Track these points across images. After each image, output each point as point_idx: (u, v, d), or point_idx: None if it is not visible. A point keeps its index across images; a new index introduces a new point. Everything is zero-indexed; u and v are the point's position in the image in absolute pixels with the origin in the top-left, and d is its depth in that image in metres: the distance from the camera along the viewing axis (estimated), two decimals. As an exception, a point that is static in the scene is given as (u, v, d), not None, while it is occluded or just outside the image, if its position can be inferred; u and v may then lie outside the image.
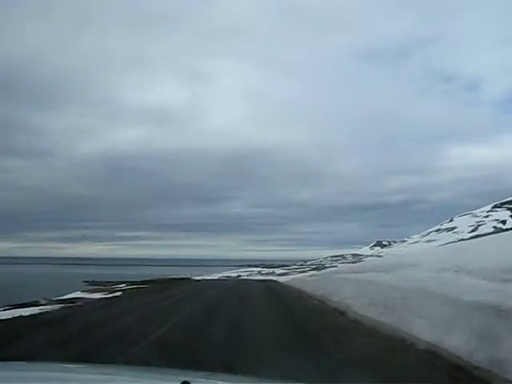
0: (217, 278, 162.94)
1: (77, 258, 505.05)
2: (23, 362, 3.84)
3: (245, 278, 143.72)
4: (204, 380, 2.84)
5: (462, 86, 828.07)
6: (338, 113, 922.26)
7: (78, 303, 37.78)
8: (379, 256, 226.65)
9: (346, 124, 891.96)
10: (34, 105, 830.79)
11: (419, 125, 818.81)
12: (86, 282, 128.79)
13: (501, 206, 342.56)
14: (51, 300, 44.08)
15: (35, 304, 38.48)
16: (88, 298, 58.28)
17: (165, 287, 44.52)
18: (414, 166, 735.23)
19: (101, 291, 78.63)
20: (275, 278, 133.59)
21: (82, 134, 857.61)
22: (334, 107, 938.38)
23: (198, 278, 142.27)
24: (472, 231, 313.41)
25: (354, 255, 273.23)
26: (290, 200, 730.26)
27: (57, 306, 29.43)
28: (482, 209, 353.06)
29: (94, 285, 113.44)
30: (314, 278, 32.52)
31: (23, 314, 18.04)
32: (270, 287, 37.66)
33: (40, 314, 18.88)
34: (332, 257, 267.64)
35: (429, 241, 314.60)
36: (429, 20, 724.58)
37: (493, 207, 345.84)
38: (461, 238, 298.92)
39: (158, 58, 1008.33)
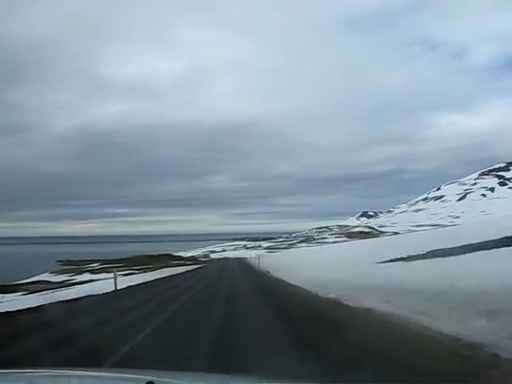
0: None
1: (60, 237, 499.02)
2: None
3: (226, 256, 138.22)
4: (168, 380, 2.84)
5: (448, 53, 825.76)
6: (321, 83, 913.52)
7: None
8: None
9: (329, 94, 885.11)
10: (10, 80, 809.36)
11: (404, 94, 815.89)
12: (59, 261, 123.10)
13: (488, 173, 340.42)
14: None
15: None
16: (50, 282, 51.98)
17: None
18: (398, 136, 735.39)
19: (69, 272, 72.42)
20: (263, 253, 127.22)
21: (61, 110, 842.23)
22: (316, 77, 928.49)
23: (181, 254, 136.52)
24: (460, 199, 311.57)
25: (340, 226, 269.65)
26: (273, 173, 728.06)
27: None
28: (469, 177, 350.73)
29: (67, 264, 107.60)
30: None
31: None
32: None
33: None
34: (317, 228, 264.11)
35: (417, 210, 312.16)
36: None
37: (480, 175, 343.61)
38: (449, 206, 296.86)
39: (138, 29, 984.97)
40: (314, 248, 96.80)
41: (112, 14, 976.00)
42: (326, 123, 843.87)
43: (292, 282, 22.08)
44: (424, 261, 23.97)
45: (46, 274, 69.77)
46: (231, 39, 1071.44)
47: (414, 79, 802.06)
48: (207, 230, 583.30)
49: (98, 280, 37.05)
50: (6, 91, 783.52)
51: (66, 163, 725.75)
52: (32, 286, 39.19)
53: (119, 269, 66.66)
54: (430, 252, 27.10)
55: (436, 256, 24.15)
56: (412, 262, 24.43)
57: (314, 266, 33.64)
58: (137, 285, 26.23)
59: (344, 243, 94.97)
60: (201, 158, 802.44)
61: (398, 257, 28.31)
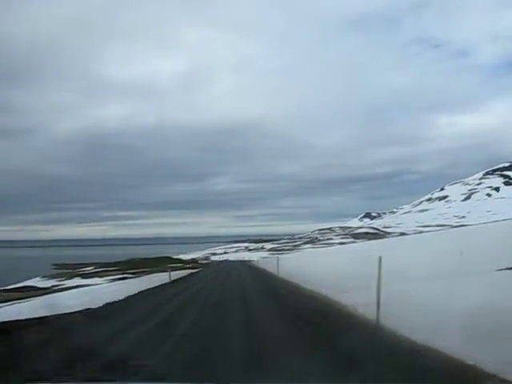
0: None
1: (61, 240, 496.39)
2: None
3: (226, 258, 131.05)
4: None
5: (452, 52, 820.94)
6: (323, 84, 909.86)
7: None
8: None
9: (331, 95, 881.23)
10: (10, 81, 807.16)
11: (407, 94, 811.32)
12: (55, 265, 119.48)
13: (492, 173, 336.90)
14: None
15: None
16: (37, 288, 48.39)
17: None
18: (401, 137, 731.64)
19: (60, 276, 68.88)
20: (267, 254, 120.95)
21: (62, 112, 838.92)
22: (319, 78, 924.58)
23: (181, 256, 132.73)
24: (465, 199, 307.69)
25: (342, 228, 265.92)
26: (276, 174, 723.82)
27: None
28: (473, 176, 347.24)
29: (62, 268, 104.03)
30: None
31: None
32: None
33: None
34: (320, 230, 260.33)
35: (421, 210, 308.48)
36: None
37: (484, 174, 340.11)
38: (454, 206, 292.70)
39: (139, 29, 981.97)
40: (328, 250, 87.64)
41: (113, 15, 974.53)
42: (328, 124, 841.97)
43: None
44: None
45: (38, 278, 66.41)
46: (233, 39, 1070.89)
47: (417, 79, 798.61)
48: (209, 232, 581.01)
49: (85, 286, 33.38)
50: (6, 93, 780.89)
51: (67, 166, 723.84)
52: (11, 293, 35.64)
53: (112, 273, 63.44)
54: None
55: None
56: None
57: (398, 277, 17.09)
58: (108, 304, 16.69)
59: (358, 244, 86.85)
60: (203, 159, 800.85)
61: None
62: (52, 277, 66.84)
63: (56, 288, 40.33)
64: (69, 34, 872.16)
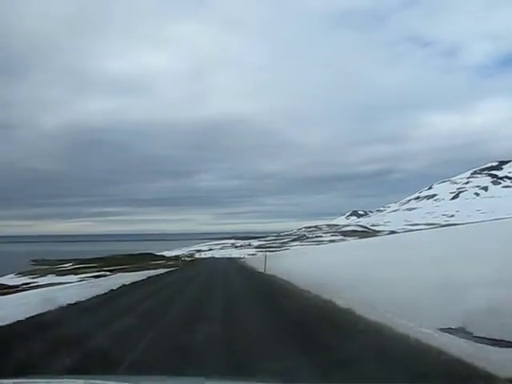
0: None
1: (46, 236, 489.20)
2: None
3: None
4: None
5: (440, 51, 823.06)
6: (309, 81, 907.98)
7: None
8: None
9: (318, 92, 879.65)
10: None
11: (394, 92, 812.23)
12: (33, 261, 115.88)
13: (480, 172, 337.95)
14: None
15: None
16: (7, 286, 45.21)
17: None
18: (388, 135, 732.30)
19: (35, 273, 65.60)
20: (254, 251, 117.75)
21: (48, 106, 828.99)
22: (304, 75, 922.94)
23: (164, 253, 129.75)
24: (453, 198, 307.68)
25: (329, 226, 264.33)
26: (261, 172, 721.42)
27: None
28: (461, 176, 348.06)
29: (40, 264, 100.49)
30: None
31: None
32: None
33: None
34: (306, 228, 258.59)
35: (409, 209, 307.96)
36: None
37: (472, 174, 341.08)
38: (442, 204, 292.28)
39: (126, 24, 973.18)
40: (323, 247, 75.70)
41: (100, 9, 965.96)
42: (315, 122, 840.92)
43: None
44: None
45: (12, 275, 63.20)
46: (219, 32, 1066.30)
47: (405, 77, 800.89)
48: (195, 229, 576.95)
49: (52, 285, 30.39)
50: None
51: (54, 161, 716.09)
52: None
53: (90, 270, 60.35)
54: None
55: None
56: None
57: None
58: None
59: (357, 242, 78.09)
60: (189, 156, 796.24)
61: None
62: (25, 274, 63.59)
63: (26, 286, 37.26)
64: (57, 28, 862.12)
